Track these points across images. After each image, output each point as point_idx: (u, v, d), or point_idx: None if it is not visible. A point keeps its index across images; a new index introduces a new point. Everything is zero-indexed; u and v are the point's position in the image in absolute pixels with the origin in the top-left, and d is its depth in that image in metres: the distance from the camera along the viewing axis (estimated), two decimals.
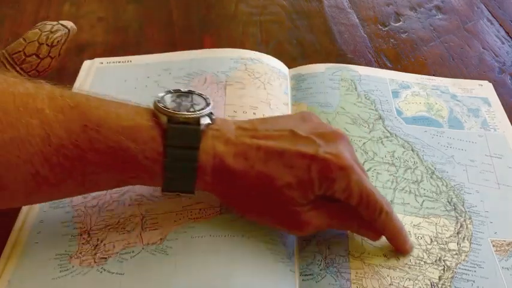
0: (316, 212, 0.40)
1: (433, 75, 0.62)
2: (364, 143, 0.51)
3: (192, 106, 0.39)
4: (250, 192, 0.40)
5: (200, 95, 0.41)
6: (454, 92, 0.58)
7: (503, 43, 0.68)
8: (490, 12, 0.74)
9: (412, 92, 0.58)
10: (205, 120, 0.39)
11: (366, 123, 0.53)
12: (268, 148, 0.39)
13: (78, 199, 0.44)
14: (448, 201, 0.46)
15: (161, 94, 0.40)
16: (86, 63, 0.60)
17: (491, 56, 0.66)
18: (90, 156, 0.36)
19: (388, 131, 0.52)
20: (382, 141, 0.51)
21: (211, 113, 0.40)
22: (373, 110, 0.55)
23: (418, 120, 0.54)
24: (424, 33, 0.69)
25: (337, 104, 0.55)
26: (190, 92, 0.41)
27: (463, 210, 0.46)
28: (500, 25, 0.71)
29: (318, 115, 0.53)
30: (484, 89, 0.59)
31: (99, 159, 0.36)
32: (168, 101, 0.39)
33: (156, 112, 0.38)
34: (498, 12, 0.74)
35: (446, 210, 0.46)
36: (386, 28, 0.70)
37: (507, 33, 0.70)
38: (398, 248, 0.42)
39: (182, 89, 0.41)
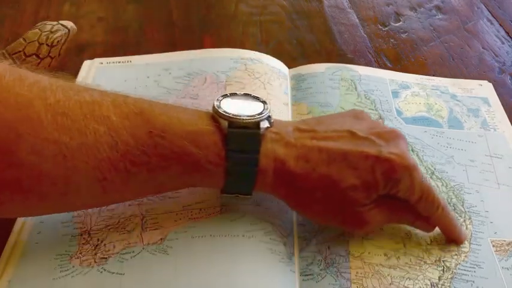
0: (378, 210, 0.40)
1: (433, 75, 0.62)
2: None
3: (250, 110, 0.39)
4: (312, 194, 0.39)
5: (257, 98, 0.41)
6: (453, 92, 0.58)
7: (503, 43, 0.68)
8: (490, 12, 0.74)
9: (412, 92, 0.58)
10: (265, 124, 0.39)
11: None
12: (330, 150, 0.39)
13: None
14: (447, 202, 0.46)
15: (219, 98, 0.40)
16: (86, 63, 0.60)
17: (491, 56, 0.66)
18: (155, 161, 0.37)
19: None
20: None
21: (269, 116, 0.40)
22: (373, 110, 0.55)
23: (417, 120, 0.54)
24: (424, 33, 0.69)
25: (337, 103, 0.55)
26: (247, 95, 0.41)
27: (463, 210, 0.46)
28: (500, 25, 0.71)
29: (318, 115, 0.53)
30: (484, 88, 0.59)
31: (164, 164, 0.37)
32: (227, 104, 0.39)
33: (216, 117, 0.39)
34: (498, 12, 0.74)
35: None
36: (386, 28, 0.70)
37: (507, 33, 0.70)
38: (454, 238, 0.43)
39: (238, 93, 0.41)
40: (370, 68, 0.61)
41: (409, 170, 0.39)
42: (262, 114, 0.39)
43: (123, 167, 0.36)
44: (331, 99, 0.55)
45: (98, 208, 0.44)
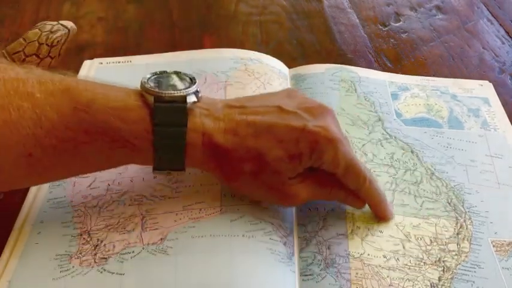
0: (305, 184, 0.42)
1: (433, 75, 0.62)
2: (363, 145, 0.51)
3: (178, 85, 0.40)
4: (241, 167, 0.40)
5: (186, 74, 0.42)
6: (454, 92, 0.58)
7: (503, 43, 0.68)
8: (490, 12, 0.74)
9: (412, 93, 0.58)
10: (191, 98, 0.39)
11: (366, 124, 0.53)
12: (257, 123, 0.40)
13: (78, 199, 0.45)
14: (447, 202, 0.46)
15: (148, 75, 0.40)
16: (86, 63, 0.60)
17: (491, 56, 0.66)
18: (81, 137, 0.37)
19: (387, 133, 0.52)
20: (381, 143, 0.51)
21: (197, 91, 0.40)
22: (372, 111, 0.55)
23: (417, 121, 0.54)
24: (424, 33, 0.69)
25: (337, 104, 0.55)
26: (176, 73, 0.42)
27: (463, 210, 0.46)
28: (500, 25, 0.71)
29: None
30: (484, 89, 0.59)
31: (90, 140, 0.37)
32: (155, 81, 0.40)
33: (144, 93, 0.39)
34: (498, 12, 0.74)
35: (446, 211, 0.46)
36: (386, 28, 0.70)
37: (507, 33, 0.70)
38: (380, 214, 0.44)
39: (168, 70, 0.42)
40: (370, 70, 0.61)
41: (333, 142, 0.40)
42: (189, 89, 0.40)
43: (49, 143, 0.36)
44: (331, 100, 0.55)
45: (98, 208, 0.44)
